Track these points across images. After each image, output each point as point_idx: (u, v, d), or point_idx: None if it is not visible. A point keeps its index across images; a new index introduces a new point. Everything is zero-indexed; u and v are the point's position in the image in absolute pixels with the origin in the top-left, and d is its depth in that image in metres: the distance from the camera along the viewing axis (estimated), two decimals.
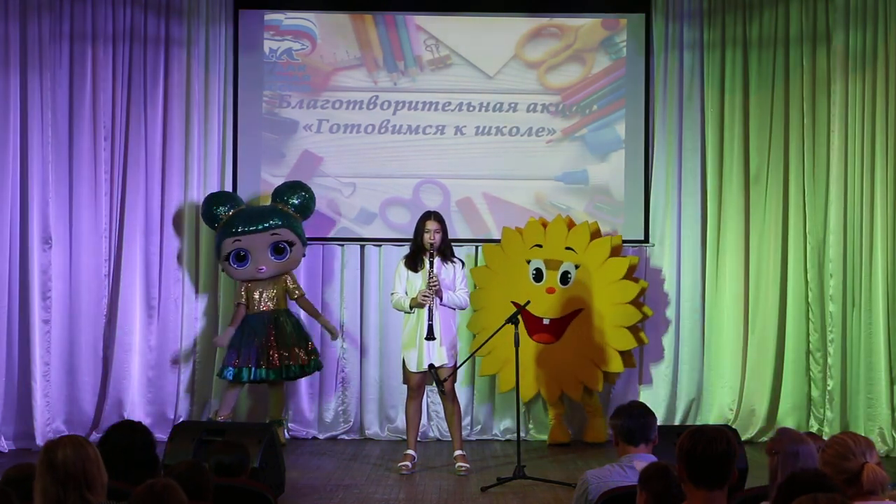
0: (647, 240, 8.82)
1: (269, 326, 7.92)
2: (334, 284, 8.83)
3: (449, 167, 8.77)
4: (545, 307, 8.35)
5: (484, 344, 7.71)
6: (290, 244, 8.01)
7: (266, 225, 8.02)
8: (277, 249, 8.00)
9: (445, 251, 7.21)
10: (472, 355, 7.91)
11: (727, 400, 8.79)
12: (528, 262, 8.40)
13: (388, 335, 8.68)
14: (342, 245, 8.83)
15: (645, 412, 4.53)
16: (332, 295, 8.85)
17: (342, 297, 8.81)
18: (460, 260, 7.37)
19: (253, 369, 7.89)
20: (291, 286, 8.23)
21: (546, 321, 8.31)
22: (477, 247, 8.78)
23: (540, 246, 8.39)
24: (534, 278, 8.37)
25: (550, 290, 8.29)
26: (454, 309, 7.24)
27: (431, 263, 7.03)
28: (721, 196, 8.81)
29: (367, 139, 8.74)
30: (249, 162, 8.70)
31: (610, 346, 8.36)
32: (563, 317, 8.32)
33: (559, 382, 8.39)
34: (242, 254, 7.96)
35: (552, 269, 8.33)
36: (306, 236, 8.53)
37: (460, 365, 7.27)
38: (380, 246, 8.80)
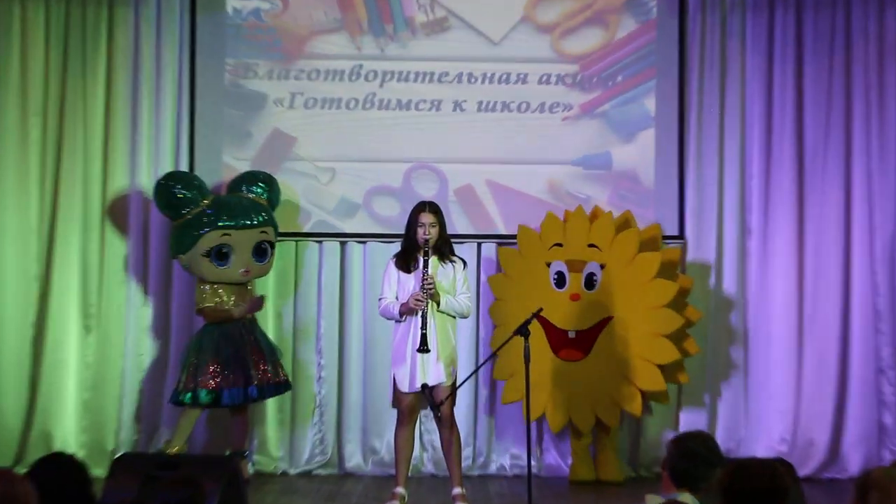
0: (681, 235, 8.31)
1: (247, 337, 7.60)
2: (309, 288, 8.29)
3: (446, 149, 8.32)
4: (570, 317, 7.81)
5: (491, 357, 7.37)
6: (272, 246, 7.77)
7: (257, 220, 7.70)
8: (259, 250, 7.70)
9: (443, 249, 6.78)
10: (475, 371, 7.47)
11: (778, 428, 8.28)
12: (549, 264, 7.90)
13: (374, 348, 8.17)
14: (319, 241, 8.32)
15: (708, 460, 4.09)
16: (306, 301, 8.30)
17: (319, 304, 8.28)
18: (461, 259, 6.91)
19: (239, 390, 7.50)
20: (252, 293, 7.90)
21: (572, 334, 7.79)
22: (479, 244, 8.30)
23: (560, 245, 7.88)
24: (555, 284, 7.85)
25: (575, 297, 7.77)
26: (454, 317, 6.77)
27: (426, 262, 6.62)
28: (769, 183, 8.33)
29: (349, 116, 8.30)
30: (209, 143, 8.24)
31: (645, 359, 7.78)
32: (592, 328, 7.79)
33: (593, 407, 7.87)
34: (225, 251, 7.60)
35: (575, 271, 7.82)
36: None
37: (461, 384, 6.81)
38: (364, 242, 8.31)
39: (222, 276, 7.68)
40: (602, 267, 7.79)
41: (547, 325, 7.70)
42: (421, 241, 6.69)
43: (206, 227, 7.66)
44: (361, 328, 8.30)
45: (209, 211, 7.68)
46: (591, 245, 7.83)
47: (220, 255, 7.65)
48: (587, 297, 7.82)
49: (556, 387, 7.78)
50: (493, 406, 8.26)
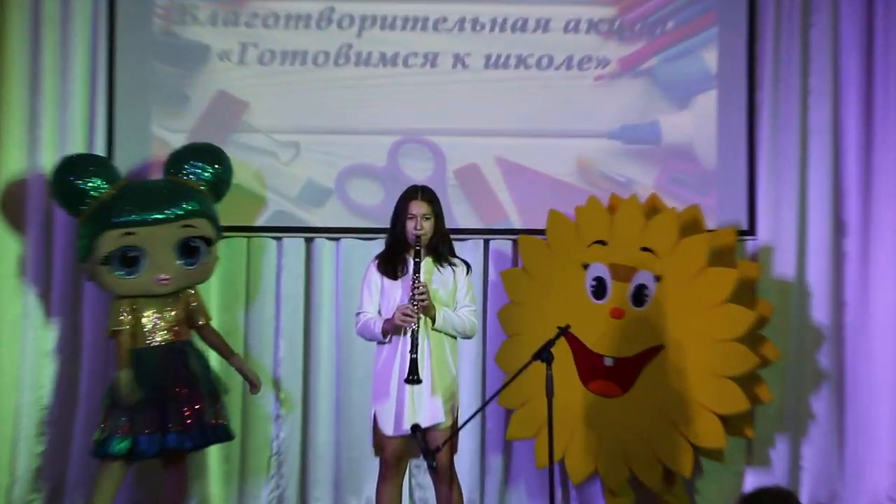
0: (751, 231, 7.56)
1: (172, 367, 6.82)
2: (265, 299, 7.52)
3: (444, 118, 7.58)
4: (608, 339, 6.98)
5: (502, 389, 6.45)
6: (207, 242, 6.92)
7: (176, 212, 6.87)
8: (187, 250, 6.88)
9: (440, 248, 6.17)
10: (482, 408, 6.64)
11: (885, 483, 7.58)
12: (586, 266, 7.08)
13: (350, 378, 7.44)
14: (278, 238, 7.55)
15: None
16: (261, 316, 7.50)
17: (277, 319, 7.53)
18: (464, 262, 6.23)
19: (156, 436, 6.73)
20: (195, 305, 6.99)
21: (609, 361, 6.97)
22: (487, 241, 7.59)
23: (603, 243, 7.07)
24: (592, 293, 7.05)
25: (617, 313, 6.97)
26: (454, 337, 6.13)
27: (418, 266, 6.02)
28: (870, 162, 7.59)
29: (317, 74, 7.57)
30: (133, 110, 7.56)
31: (703, 405, 6.89)
32: (636, 356, 6.93)
33: (626, 459, 6.97)
34: (133, 255, 6.81)
35: (620, 279, 7.00)
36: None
37: (463, 425, 6.07)
38: (337, 239, 7.52)
39: (133, 287, 6.83)
40: (657, 279, 6.92)
41: (577, 346, 6.93)
42: (411, 237, 6.03)
43: (100, 225, 6.81)
44: (333, 352, 7.50)
45: (108, 205, 6.83)
46: (644, 248, 6.94)
47: (125, 260, 6.80)
48: (633, 315, 6.94)
49: (581, 426, 7.05)
50: (506, 446, 7.46)
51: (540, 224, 7.45)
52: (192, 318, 6.98)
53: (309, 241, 7.51)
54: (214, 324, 7.21)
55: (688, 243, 6.88)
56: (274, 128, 7.43)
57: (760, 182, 7.55)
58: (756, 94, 7.51)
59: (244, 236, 7.43)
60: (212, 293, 7.34)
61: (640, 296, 6.92)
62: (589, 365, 6.92)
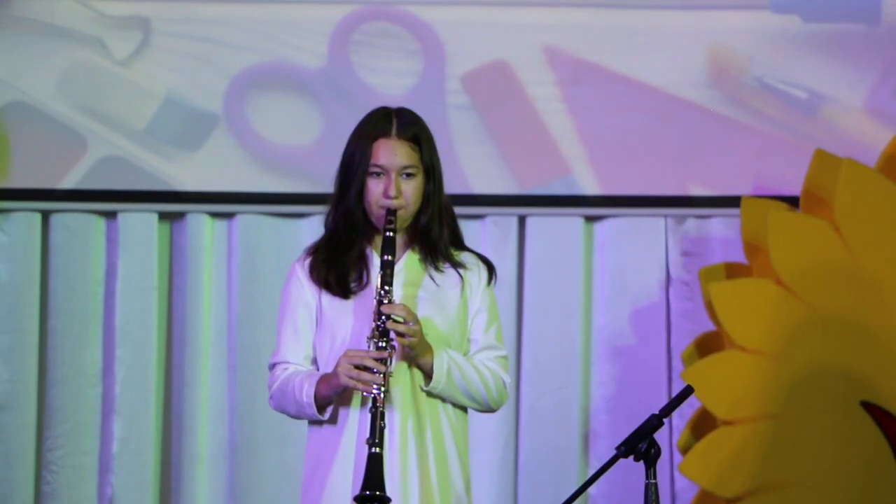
0: None
1: None
2: (81, 324, 5.54)
3: None
4: None
5: None
6: None
7: None
8: None
9: (437, 235, 3.99)
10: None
11: None
12: None
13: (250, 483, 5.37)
14: (109, 214, 5.47)
15: None
16: (75, 358, 5.48)
17: (110, 369, 5.55)
18: (483, 262, 3.98)
19: None
20: None
21: None
22: (523, 218, 5.51)
23: None
24: None
25: None
26: (463, 408, 3.93)
27: (389, 265, 3.83)
28: None
29: None
30: None
31: None
32: None
33: None
34: None
35: None
36: None
37: None
38: (229, 216, 5.50)
39: None
40: None
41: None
42: (376, 209, 3.98)
43: None
44: (218, 443, 5.24)
45: None
46: None
47: None
48: None
49: None
50: None
51: (631, 186, 5.14)
52: None
53: (171, 218, 5.33)
54: None
55: None
56: None
57: None
58: None
59: (37, 210, 5.19)
60: None
61: None
62: None
